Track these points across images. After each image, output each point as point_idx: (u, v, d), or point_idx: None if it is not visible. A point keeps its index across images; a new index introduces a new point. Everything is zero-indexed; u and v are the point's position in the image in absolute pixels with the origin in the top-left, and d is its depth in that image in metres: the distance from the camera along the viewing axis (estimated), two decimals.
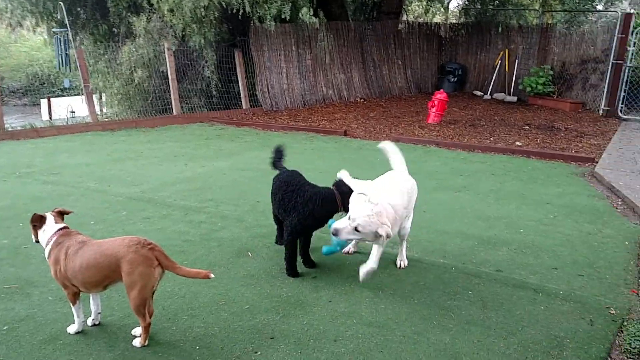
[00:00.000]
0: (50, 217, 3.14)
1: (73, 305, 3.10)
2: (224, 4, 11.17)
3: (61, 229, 3.11)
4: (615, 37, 11.73)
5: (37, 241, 3.16)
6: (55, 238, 3.05)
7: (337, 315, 3.41)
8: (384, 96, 15.44)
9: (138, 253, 2.87)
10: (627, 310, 3.52)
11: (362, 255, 4.34)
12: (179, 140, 9.85)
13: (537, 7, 16.54)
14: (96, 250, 2.95)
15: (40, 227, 3.10)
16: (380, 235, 3.41)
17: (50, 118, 15.26)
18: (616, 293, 3.77)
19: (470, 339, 3.16)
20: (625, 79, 11.82)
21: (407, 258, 4.25)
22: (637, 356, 3.03)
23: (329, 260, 4.27)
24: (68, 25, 12.39)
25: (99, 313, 3.27)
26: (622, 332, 3.27)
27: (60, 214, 3.22)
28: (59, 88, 21.48)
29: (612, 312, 3.49)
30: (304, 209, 3.94)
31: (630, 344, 3.13)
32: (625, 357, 3.03)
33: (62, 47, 12.73)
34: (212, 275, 2.97)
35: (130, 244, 2.90)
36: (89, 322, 3.25)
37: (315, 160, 8.04)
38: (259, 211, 5.54)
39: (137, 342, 3.04)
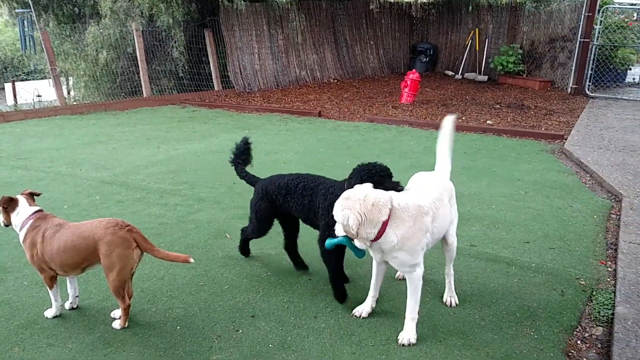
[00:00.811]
0: (22, 200, 3.07)
1: (50, 289, 3.06)
2: None
3: (37, 211, 3.05)
4: (583, 16, 11.93)
5: (7, 225, 3.08)
6: (31, 221, 2.99)
7: (317, 293, 3.45)
8: (357, 77, 15.44)
9: (116, 235, 2.84)
10: (596, 280, 3.66)
11: None
12: (151, 122, 9.70)
13: None
14: (74, 233, 2.91)
15: (12, 210, 3.03)
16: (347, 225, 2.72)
17: (16, 102, 14.81)
18: (585, 264, 3.90)
19: (446, 312, 3.24)
20: (592, 57, 12.06)
21: None
22: (605, 324, 3.15)
23: (306, 239, 4.29)
24: (31, 6, 11.97)
25: (77, 296, 3.24)
26: (591, 301, 3.40)
27: (31, 196, 3.15)
28: (24, 72, 20.84)
29: (581, 282, 3.62)
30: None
31: (599, 312, 3.25)
32: (595, 325, 3.15)
33: (26, 28, 12.29)
34: (192, 260, 2.94)
35: (108, 226, 2.87)
36: (67, 305, 3.22)
37: (290, 141, 8.02)
38: (236, 193, 5.52)
39: (116, 324, 3.03)
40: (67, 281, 3.19)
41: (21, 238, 3.02)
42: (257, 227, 3.75)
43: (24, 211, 3.03)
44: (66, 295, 3.23)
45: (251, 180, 3.93)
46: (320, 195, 3.34)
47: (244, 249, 4.00)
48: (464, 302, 3.35)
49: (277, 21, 13.72)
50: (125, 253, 2.85)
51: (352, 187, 2.95)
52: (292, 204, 3.50)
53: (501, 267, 3.85)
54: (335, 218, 2.79)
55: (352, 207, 2.71)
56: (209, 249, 4.16)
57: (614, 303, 3.29)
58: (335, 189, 3.24)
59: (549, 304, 3.35)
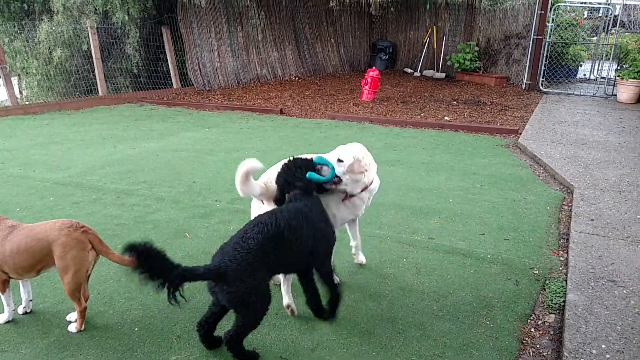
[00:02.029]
0: None
1: (2, 293, 2.97)
2: None
3: None
4: (536, 14, 12.28)
5: None
6: None
7: (277, 288, 3.44)
8: (319, 74, 15.47)
9: (70, 236, 2.77)
10: (549, 269, 3.78)
11: None
12: (107, 122, 9.47)
13: None
14: (27, 234, 2.82)
15: None
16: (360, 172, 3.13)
17: None
18: (539, 254, 4.03)
19: (405, 304, 3.30)
20: (545, 54, 12.44)
21: (343, 231, 3.94)
22: (557, 311, 3.27)
23: None
24: None
25: (30, 300, 3.15)
26: (544, 290, 3.52)
27: None
28: None
29: (535, 272, 3.74)
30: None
31: (552, 300, 3.37)
32: (547, 312, 3.26)
33: None
34: None
35: (62, 227, 2.79)
36: (20, 310, 3.13)
37: (252, 139, 7.97)
38: (196, 191, 5.46)
39: (72, 328, 2.96)
40: (20, 285, 3.10)
41: None
42: None
43: None
44: (19, 299, 3.13)
45: None
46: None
47: None
48: (422, 294, 3.41)
49: (236, 18, 13.60)
50: (80, 255, 2.78)
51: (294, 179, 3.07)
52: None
53: (458, 258, 3.94)
54: (346, 157, 3.15)
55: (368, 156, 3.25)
56: (168, 248, 4.03)
57: (565, 291, 3.42)
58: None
59: (504, 293, 3.45)
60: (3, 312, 3.04)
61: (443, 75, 15.24)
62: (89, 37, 11.47)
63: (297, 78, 14.77)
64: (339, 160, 3.19)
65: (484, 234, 4.40)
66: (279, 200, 3.14)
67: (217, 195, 5.35)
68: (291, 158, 3.21)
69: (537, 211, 4.97)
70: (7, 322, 3.03)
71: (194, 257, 3.93)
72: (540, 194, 5.49)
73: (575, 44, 13.44)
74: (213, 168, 6.36)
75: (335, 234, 3.12)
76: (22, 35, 12.34)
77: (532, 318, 3.20)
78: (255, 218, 2.87)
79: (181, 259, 3.90)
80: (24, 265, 2.84)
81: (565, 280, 3.56)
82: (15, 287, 3.12)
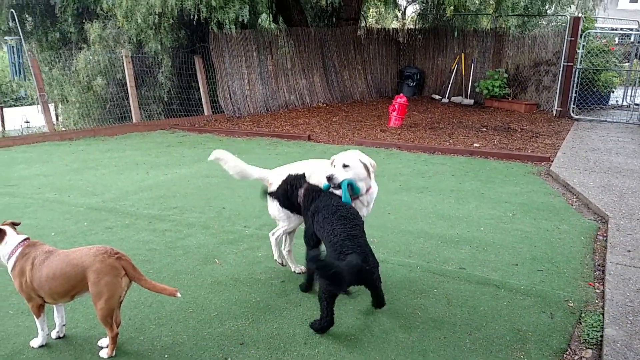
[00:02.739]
0: (9, 230, 3.05)
1: (37, 317, 3.02)
2: (177, 10, 11.08)
3: (25, 239, 3.03)
4: (566, 40, 12.19)
5: None
6: (20, 249, 2.97)
7: (306, 318, 3.43)
8: (346, 101, 15.58)
9: (104, 262, 2.82)
10: (585, 302, 3.67)
11: None
12: (140, 148, 9.69)
13: (490, 12, 17.03)
14: (63, 260, 2.89)
15: (1, 240, 3.00)
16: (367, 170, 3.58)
17: (4, 128, 14.76)
18: (574, 286, 3.92)
19: (436, 336, 3.23)
20: (576, 81, 12.29)
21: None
22: (594, 346, 3.16)
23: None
24: (21, 33, 12.04)
25: (64, 325, 3.20)
26: (580, 323, 3.41)
27: (13, 225, 3.13)
28: (12, 98, 20.80)
29: (570, 304, 3.64)
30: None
31: (588, 334, 3.26)
32: (584, 347, 3.16)
33: (15, 55, 12.33)
34: (179, 295, 2.92)
35: (97, 253, 2.85)
36: (53, 334, 3.18)
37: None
38: (225, 217, 5.52)
39: (104, 353, 2.98)
40: (55, 309, 3.15)
41: (10, 267, 2.98)
42: None
43: (12, 240, 3.01)
44: (53, 324, 3.19)
45: None
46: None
47: None
48: (454, 326, 3.35)
49: (266, 47, 13.87)
50: (114, 281, 2.83)
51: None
52: None
53: (490, 290, 3.86)
54: (352, 162, 3.50)
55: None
56: (197, 275, 4.13)
57: (602, 325, 3.31)
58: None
59: (538, 326, 3.36)
60: (37, 336, 3.09)
61: (472, 101, 15.18)
62: (123, 66, 11.84)
63: (324, 105, 14.90)
64: (345, 166, 3.53)
65: (516, 265, 4.31)
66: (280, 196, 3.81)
67: (246, 221, 5.39)
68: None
69: (571, 241, 4.86)
70: (41, 346, 3.08)
71: (222, 284, 3.95)
72: (574, 223, 5.37)
73: (607, 70, 13.25)
74: (242, 194, 6.42)
75: None
76: (59, 64, 12.84)
77: (568, 353, 3.10)
78: (337, 213, 3.32)
79: (210, 285, 3.92)
80: (59, 291, 2.90)
81: (602, 314, 3.45)
82: (49, 312, 3.18)
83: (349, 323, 3.37)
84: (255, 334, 3.25)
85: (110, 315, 2.88)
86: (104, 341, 3.05)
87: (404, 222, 5.35)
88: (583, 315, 3.49)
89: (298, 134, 10.79)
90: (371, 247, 3.30)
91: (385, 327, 3.33)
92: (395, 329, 3.30)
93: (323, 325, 3.22)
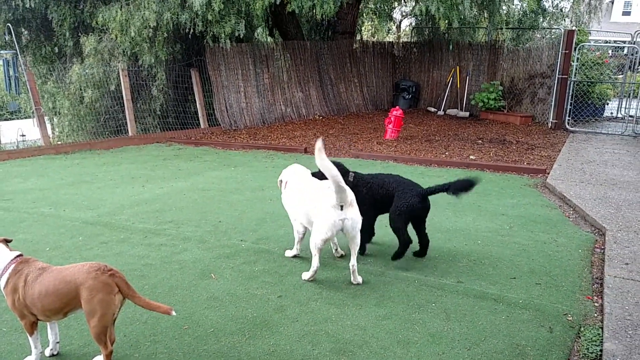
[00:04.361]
0: (2, 246, 3.01)
1: (30, 335, 2.98)
2: (173, 24, 11.13)
3: (17, 256, 2.99)
4: (560, 53, 12.29)
5: None
6: (13, 266, 2.93)
7: (303, 334, 3.40)
8: (342, 113, 15.62)
9: (98, 279, 2.79)
10: (584, 316, 3.65)
11: (331, 271, 4.36)
12: (136, 161, 9.66)
13: (485, 26, 17.17)
14: (56, 277, 2.85)
15: None
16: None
17: None
18: (572, 300, 3.90)
19: (435, 352, 3.20)
20: (570, 93, 12.37)
21: (370, 272, 4.29)
22: None
23: (294, 278, 4.26)
24: (17, 47, 12.04)
25: (57, 342, 3.15)
26: (579, 337, 3.39)
27: (6, 242, 3.09)
28: (7, 112, 20.77)
29: (569, 318, 3.62)
30: None
31: (587, 348, 3.24)
32: None
33: (11, 69, 12.33)
34: (174, 313, 2.89)
35: (90, 270, 2.81)
36: (47, 352, 3.13)
37: (277, 177, 7.99)
38: (221, 231, 5.48)
39: None
40: (48, 327, 3.11)
41: (2, 284, 2.93)
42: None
43: (4, 256, 2.97)
44: (46, 341, 3.14)
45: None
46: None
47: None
48: (453, 341, 3.32)
49: (262, 60, 13.93)
50: (107, 299, 2.79)
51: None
52: None
53: (489, 303, 3.83)
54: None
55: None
56: (193, 290, 4.09)
57: (602, 339, 3.28)
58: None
59: (537, 341, 3.33)
60: (31, 354, 3.04)
61: (467, 114, 15.24)
62: (119, 79, 11.84)
63: (321, 117, 14.93)
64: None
65: (514, 278, 4.29)
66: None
67: (243, 235, 5.35)
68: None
69: (568, 254, 4.85)
70: None
71: (218, 299, 3.91)
72: (571, 236, 5.36)
73: (601, 82, 13.34)
74: (239, 207, 6.40)
75: None
76: (53, 77, 12.85)
77: None
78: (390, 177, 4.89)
79: (206, 301, 3.88)
80: (52, 308, 2.86)
81: (602, 328, 3.43)
82: (42, 329, 3.13)
83: (347, 339, 3.33)
84: (252, 351, 3.21)
85: (104, 332, 2.84)
86: (99, 359, 3.00)
87: None
88: (582, 329, 3.47)
89: (294, 147, 10.79)
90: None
91: (384, 342, 3.30)
92: (394, 344, 3.27)
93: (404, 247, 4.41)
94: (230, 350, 3.21)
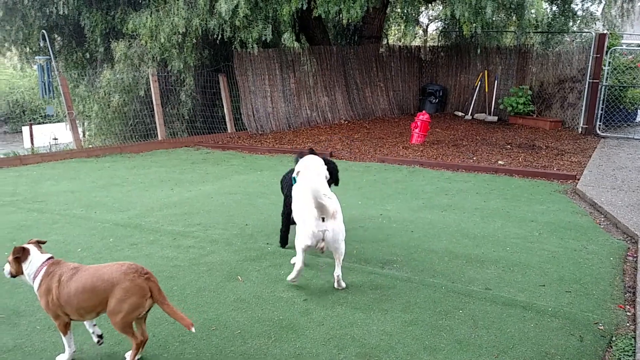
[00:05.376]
0: (33, 248, 3.09)
1: (64, 335, 3.05)
2: (201, 30, 11.29)
3: (49, 258, 3.08)
4: (591, 57, 12.06)
5: (15, 275, 3.09)
6: (45, 268, 3.01)
7: (329, 338, 3.41)
8: (368, 118, 15.61)
9: (134, 282, 2.85)
10: (615, 325, 3.57)
11: (356, 275, 4.37)
12: (165, 165, 9.82)
13: (513, 29, 16.95)
14: (93, 274, 2.92)
15: (25, 259, 3.05)
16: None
17: (33, 146, 15.13)
18: (604, 309, 3.82)
19: (462, 359, 3.17)
20: (601, 98, 12.11)
21: (395, 278, 4.27)
22: None
23: (319, 282, 4.27)
24: (51, 53, 12.39)
25: (99, 335, 3.22)
26: (611, 347, 3.31)
27: (39, 244, 3.18)
28: (40, 115, 21.38)
29: (600, 327, 3.54)
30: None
31: (619, 359, 3.17)
32: None
33: (45, 74, 12.69)
34: (193, 330, 2.94)
35: (127, 272, 2.88)
36: (95, 339, 3.21)
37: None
38: (248, 234, 5.54)
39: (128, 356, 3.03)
40: (87, 325, 3.18)
41: (35, 286, 3.02)
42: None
43: (36, 259, 3.05)
44: (78, 340, 3.21)
45: None
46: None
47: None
48: (480, 349, 3.28)
49: (289, 65, 14.03)
50: (138, 302, 2.86)
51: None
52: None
53: (517, 311, 3.78)
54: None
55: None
56: (220, 291, 4.14)
57: (634, 349, 3.21)
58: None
59: (567, 350, 3.27)
60: (64, 352, 3.11)
61: (495, 118, 15.06)
62: (149, 84, 12.07)
63: (346, 122, 14.94)
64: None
65: (544, 286, 4.22)
66: None
67: (269, 238, 5.39)
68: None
69: (599, 262, 4.75)
70: None
71: (245, 301, 3.95)
72: (602, 243, 5.25)
73: (634, 87, 13.03)
74: (265, 211, 6.45)
75: None
76: (84, 82, 13.20)
77: None
78: None
79: (233, 302, 3.93)
80: (87, 305, 2.92)
81: (634, 338, 3.35)
82: (75, 329, 3.21)
83: (373, 344, 3.33)
84: (278, 353, 3.23)
85: (129, 326, 2.90)
86: (129, 355, 3.08)
87: (427, 241, 5.30)
88: (614, 338, 3.40)
89: (320, 151, 10.81)
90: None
91: (410, 348, 3.28)
92: (420, 351, 3.25)
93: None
94: (256, 352, 3.24)
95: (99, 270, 2.96)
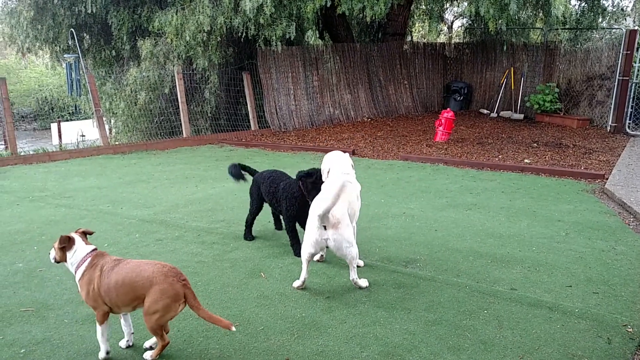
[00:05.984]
0: (78, 238, 3.16)
1: (100, 325, 3.06)
2: (226, 28, 11.37)
3: (93, 250, 3.14)
4: (621, 54, 11.79)
5: (59, 262, 3.17)
6: (89, 259, 3.08)
7: (351, 336, 3.40)
8: (391, 115, 15.54)
9: (172, 286, 2.90)
10: None
11: (379, 274, 4.35)
12: (189, 162, 9.93)
13: (540, 26, 16.66)
14: (134, 269, 2.98)
15: (70, 248, 3.12)
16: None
17: (61, 142, 15.46)
18: (633, 311, 3.74)
19: (486, 359, 3.14)
20: (632, 95, 11.84)
21: (419, 277, 4.24)
22: None
23: (341, 280, 4.27)
24: (79, 51, 12.63)
25: (132, 333, 3.27)
26: None
27: (84, 234, 3.25)
28: (68, 112, 21.80)
29: (629, 330, 3.47)
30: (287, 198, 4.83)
31: None
32: None
33: (73, 72, 12.96)
34: (234, 328, 2.97)
35: (168, 274, 2.92)
36: (123, 344, 3.25)
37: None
38: (270, 231, 5.57)
39: (147, 355, 3.09)
40: (122, 319, 3.23)
41: (78, 276, 3.08)
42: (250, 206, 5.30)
43: (81, 250, 3.12)
44: (112, 334, 3.27)
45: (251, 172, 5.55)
46: (280, 189, 4.94)
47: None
48: (505, 349, 3.24)
49: (312, 63, 14.04)
50: (173, 306, 2.90)
51: (307, 185, 4.79)
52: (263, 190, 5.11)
53: (543, 312, 3.72)
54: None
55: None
56: (243, 288, 4.17)
57: None
58: (291, 186, 4.91)
59: (594, 352, 3.21)
60: (100, 349, 3.14)
61: (521, 116, 14.84)
62: (174, 82, 12.21)
63: (369, 119, 14.89)
64: None
65: (570, 286, 4.15)
66: None
67: None
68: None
69: (628, 263, 4.64)
70: (107, 353, 3.14)
71: (268, 298, 3.97)
72: (632, 244, 5.13)
73: None
74: None
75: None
76: (111, 79, 13.42)
77: None
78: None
79: (256, 299, 3.95)
80: (124, 299, 2.97)
81: None
82: (114, 321, 3.25)
83: (396, 342, 3.32)
84: (301, 350, 3.24)
85: (160, 328, 2.95)
86: (151, 341, 3.14)
87: (451, 240, 5.25)
88: None
89: (343, 149, 10.80)
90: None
91: (433, 348, 3.26)
92: (444, 351, 3.23)
93: None
94: (279, 349, 3.26)
95: (140, 266, 3.00)
